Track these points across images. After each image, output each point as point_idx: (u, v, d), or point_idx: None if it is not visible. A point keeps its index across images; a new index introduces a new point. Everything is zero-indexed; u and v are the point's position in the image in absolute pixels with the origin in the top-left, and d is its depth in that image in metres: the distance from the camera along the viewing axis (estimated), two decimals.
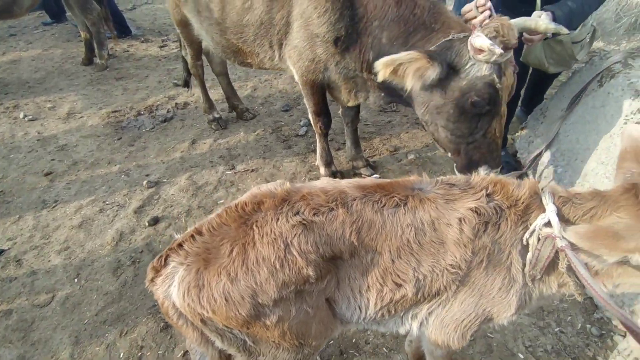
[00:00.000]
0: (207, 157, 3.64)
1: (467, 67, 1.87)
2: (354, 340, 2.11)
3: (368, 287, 1.25)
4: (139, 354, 2.10)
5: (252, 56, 2.81)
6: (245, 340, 1.22)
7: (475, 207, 1.18)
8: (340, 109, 3.14)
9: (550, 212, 1.12)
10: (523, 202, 1.19)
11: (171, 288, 1.15)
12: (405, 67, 1.86)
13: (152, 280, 1.21)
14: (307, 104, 2.80)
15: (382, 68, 1.87)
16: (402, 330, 1.44)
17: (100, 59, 5.30)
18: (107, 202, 3.14)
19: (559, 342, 2.04)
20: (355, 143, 3.23)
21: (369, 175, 3.25)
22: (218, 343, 1.26)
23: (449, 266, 1.19)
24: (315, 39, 2.31)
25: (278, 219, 1.15)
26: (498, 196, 1.20)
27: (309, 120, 4.02)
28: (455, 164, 2.25)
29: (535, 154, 2.74)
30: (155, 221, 2.91)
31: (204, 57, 3.75)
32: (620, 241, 1.00)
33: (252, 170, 3.42)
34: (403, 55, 1.85)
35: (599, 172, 2.26)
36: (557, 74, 3.02)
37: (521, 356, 1.98)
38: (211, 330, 1.20)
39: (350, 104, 2.68)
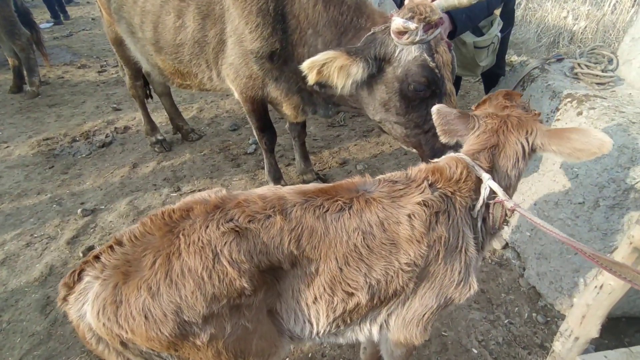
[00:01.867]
0: (149, 180, 3.46)
1: (396, 54, 1.85)
2: (309, 355, 2.02)
3: (316, 298, 1.17)
4: None
5: (190, 77, 2.73)
6: None
7: (422, 200, 1.16)
8: (287, 124, 3.12)
9: (489, 180, 1.18)
10: (463, 181, 1.21)
11: (85, 306, 1.02)
12: (329, 68, 1.83)
13: (64, 298, 1.07)
14: (250, 120, 2.76)
15: (308, 71, 1.85)
16: (361, 338, 1.38)
17: (31, 86, 4.97)
18: (36, 235, 2.86)
19: (509, 333, 2.08)
20: (303, 157, 3.22)
21: None
22: None
23: (404, 265, 1.16)
24: (249, 55, 2.27)
25: (207, 226, 1.06)
26: (440, 183, 1.21)
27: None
28: (421, 159, 2.19)
29: None
30: (90, 251, 2.68)
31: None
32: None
33: (199, 191, 3.27)
34: (320, 56, 1.82)
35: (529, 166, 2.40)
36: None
37: (475, 351, 1.99)
38: (135, 355, 1.07)
39: (297, 119, 2.63)
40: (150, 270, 1.01)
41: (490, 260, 2.52)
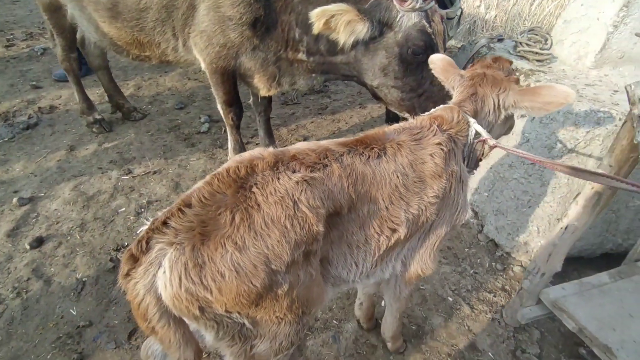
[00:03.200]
0: (93, 163, 3.14)
1: (397, 19, 1.98)
2: None
3: (366, 239, 1.27)
4: None
5: (151, 47, 2.50)
6: (243, 324, 1.08)
7: (439, 141, 1.32)
8: (252, 99, 3.04)
9: (474, 124, 1.39)
10: (460, 124, 1.39)
11: (158, 276, 0.95)
12: (337, 20, 1.89)
13: (127, 274, 0.97)
14: (217, 93, 2.63)
15: (316, 19, 1.88)
16: (386, 275, 1.49)
17: None
18: None
19: (475, 281, 2.34)
20: (268, 133, 3.18)
21: None
22: (210, 337, 1.09)
23: (431, 198, 1.30)
24: (227, 22, 2.17)
25: (279, 178, 1.07)
26: (445, 127, 1.37)
27: (209, 116, 3.83)
28: None
29: None
30: (39, 242, 2.39)
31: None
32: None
33: (155, 172, 3.08)
34: (333, 7, 1.88)
35: None
36: None
37: (450, 299, 2.22)
38: (208, 320, 1.02)
39: (270, 92, 2.57)
40: (232, 227, 0.98)
41: None
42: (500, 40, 3.08)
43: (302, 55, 2.32)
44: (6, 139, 3.34)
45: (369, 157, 1.23)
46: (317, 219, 1.06)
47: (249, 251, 0.98)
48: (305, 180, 1.08)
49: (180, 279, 0.94)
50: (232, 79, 2.55)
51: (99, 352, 1.87)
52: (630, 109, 1.43)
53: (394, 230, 1.28)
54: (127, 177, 3.01)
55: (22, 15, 6.07)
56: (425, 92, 2.17)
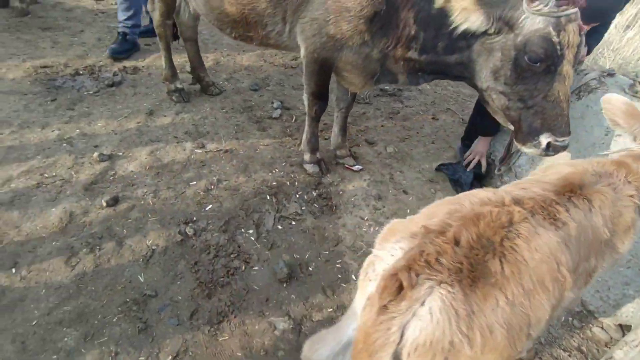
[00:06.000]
0: (169, 131, 3.19)
1: (520, 21, 1.81)
2: None
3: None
4: None
5: (256, 29, 2.48)
6: None
7: (632, 194, 1.25)
8: (336, 93, 2.96)
9: None
10: None
11: (418, 316, 0.87)
12: (455, 2, 1.83)
13: (385, 306, 0.88)
14: (308, 83, 2.58)
15: None
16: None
17: (20, 2, 4.35)
18: (47, 175, 2.55)
19: (549, 334, 2.17)
20: (342, 130, 3.09)
21: (351, 166, 3.15)
22: None
23: (619, 255, 1.27)
24: (344, 12, 2.11)
25: (539, 234, 1.01)
26: (631, 177, 1.28)
27: (281, 102, 3.80)
28: (515, 135, 2.13)
29: (512, 154, 2.83)
30: (115, 201, 2.44)
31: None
32: None
33: (226, 151, 3.08)
34: None
35: None
36: None
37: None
38: None
39: (363, 89, 2.53)
40: (502, 277, 0.91)
41: None
42: (612, 75, 2.81)
43: (412, 53, 2.23)
44: (91, 92, 3.46)
45: (584, 209, 1.15)
46: (573, 283, 1.01)
47: (516, 309, 0.90)
48: (563, 239, 1.02)
49: (445, 324, 0.85)
50: (328, 72, 2.49)
51: (162, 325, 1.88)
52: None
53: (585, 284, 1.21)
54: (200, 151, 3.03)
55: None
56: (535, 106, 1.97)
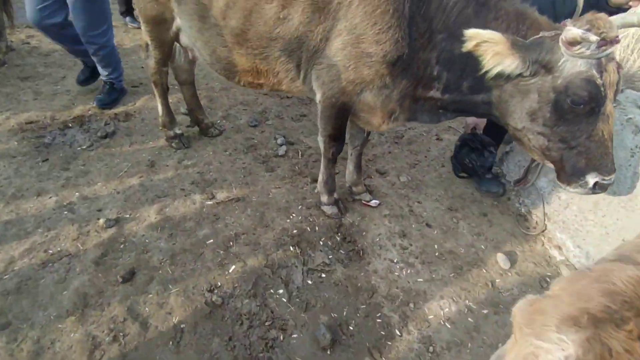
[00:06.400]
0: (175, 183, 3.01)
1: (560, 64, 1.75)
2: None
3: None
4: None
5: (268, 77, 2.38)
6: None
7: None
8: (349, 132, 2.85)
9: None
10: None
11: None
12: (486, 47, 1.76)
13: None
14: (324, 127, 2.48)
15: (469, 39, 1.77)
16: None
17: None
18: (51, 251, 2.34)
19: None
20: (358, 167, 2.99)
21: (368, 201, 3.04)
22: None
23: None
24: (364, 58, 2.03)
25: None
26: None
27: (284, 137, 3.67)
28: (557, 175, 2.07)
29: (535, 173, 2.77)
30: (131, 275, 2.25)
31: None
32: None
33: (238, 200, 2.92)
34: (486, 33, 1.74)
35: (612, 201, 2.42)
36: None
37: None
38: None
39: (381, 129, 2.44)
40: None
41: None
42: (621, 91, 2.81)
43: (434, 93, 2.18)
44: (84, 147, 3.25)
45: None
46: None
47: None
48: None
49: None
50: (346, 115, 2.40)
51: None
52: None
53: None
54: (211, 203, 2.87)
55: None
56: (578, 147, 1.90)
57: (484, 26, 1.90)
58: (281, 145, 3.58)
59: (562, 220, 2.75)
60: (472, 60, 1.93)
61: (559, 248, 2.76)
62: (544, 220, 2.89)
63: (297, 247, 2.58)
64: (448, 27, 1.99)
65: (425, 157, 3.74)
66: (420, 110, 2.33)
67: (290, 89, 2.44)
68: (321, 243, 2.65)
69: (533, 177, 2.77)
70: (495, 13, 1.92)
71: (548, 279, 2.64)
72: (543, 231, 2.88)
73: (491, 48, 1.75)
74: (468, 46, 1.80)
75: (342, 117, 2.40)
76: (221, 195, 2.94)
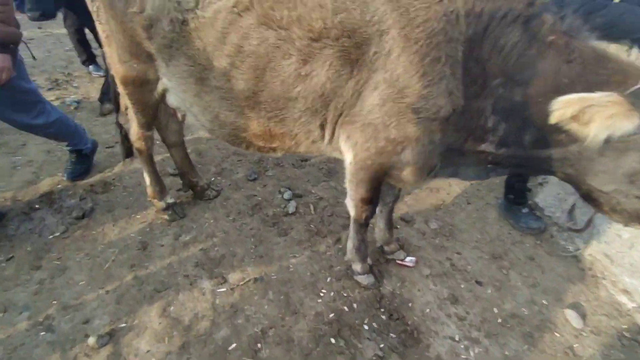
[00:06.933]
0: (175, 269, 2.50)
1: None
2: None
3: None
4: None
5: (283, 139, 1.97)
6: None
7: None
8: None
9: None
10: None
11: None
12: (594, 112, 1.39)
13: None
14: (355, 189, 2.07)
15: (563, 108, 1.42)
16: None
17: None
18: None
19: None
20: (389, 224, 2.59)
21: (403, 260, 2.64)
22: None
23: None
24: (409, 114, 1.65)
25: None
26: None
27: (290, 189, 3.24)
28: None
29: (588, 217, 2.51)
30: None
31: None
32: None
33: (255, 281, 2.44)
34: (598, 96, 1.38)
35: None
36: None
37: None
38: None
39: (417, 185, 2.08)
40: None
41: None
42: None
43: (487, 146, 1.82)
44: (58, 234, 2.69)
45: None
46: None
47: None
48: None
49: None
50: (382, 177, 2.01)
51: None
52: None
53: None
54: (224, 290, 2.37)
55: (41, 57, 5.44)
56: None
57: (553, 70, 1.58)
58: (289, 200, 3.14)
59: (628, 262, 2.44)
60: (537, 109, 1.60)
61: (627, 293, 2.44)
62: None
63: (339, 338, 2.13)
64: (506, 71, 1.65)
65: (448, 194, 3.39)
66: (465, 164, 1.99)
67: (310, 151, 2.04)
68: (365, 327, 2.20)
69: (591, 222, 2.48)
70: (567, 55, 1.59)
71: (626, 334, 2.30)
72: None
73: (603, 112, 1.40)
74: (561, 116, 1.44)
75: (377, 179, 2.01)
76: (234, 278, 2.45)
